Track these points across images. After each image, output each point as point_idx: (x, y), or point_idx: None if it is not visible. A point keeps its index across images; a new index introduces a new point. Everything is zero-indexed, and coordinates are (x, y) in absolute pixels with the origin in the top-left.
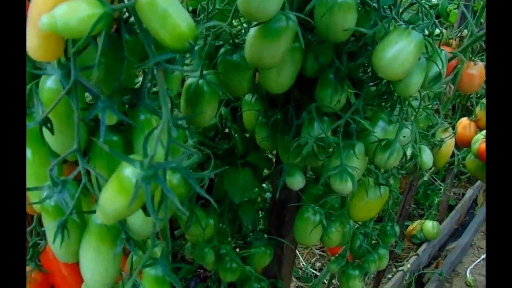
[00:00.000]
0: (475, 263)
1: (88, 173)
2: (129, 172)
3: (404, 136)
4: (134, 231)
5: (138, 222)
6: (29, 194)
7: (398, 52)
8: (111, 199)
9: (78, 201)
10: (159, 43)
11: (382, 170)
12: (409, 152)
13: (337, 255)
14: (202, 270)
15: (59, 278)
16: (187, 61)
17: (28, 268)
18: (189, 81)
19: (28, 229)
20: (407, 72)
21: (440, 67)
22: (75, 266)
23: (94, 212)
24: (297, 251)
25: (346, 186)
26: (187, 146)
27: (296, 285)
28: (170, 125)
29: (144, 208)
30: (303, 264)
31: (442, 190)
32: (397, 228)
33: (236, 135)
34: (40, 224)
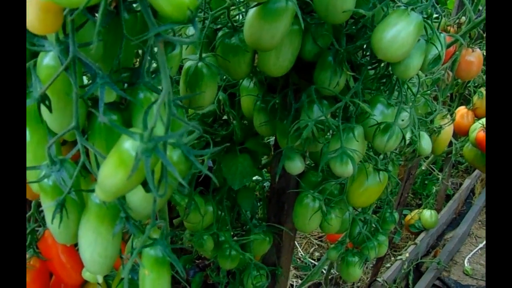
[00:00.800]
0: (472, 252)
1: (86, 154)
2: (129, 145)
3: (402, 120)
4: (133, 210)
5: (138, 200)
6: (28, 175)
7: (398, 33)
8: (111, 174)
9: (77, 180)
10: (159, 15)
11: (381, 157)
12: (408, 136)
13: (336, 242)
14: (200, 260)
15: (58, 265)
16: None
17: (26, 255)
18: (188, 63)
19: (26, 215)
20: (406, 53)
21: (439, 49)
22: (74, 253)
23: (93, 191)
24: (295, 241)
25: (346, 169)
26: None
27: (294, 274)
28: (171, 97)
29: (144, 184)
30: (301, 254)
31: (440, 180)
32: (396, 215)
33: (234, 121)
34: (39, 211)
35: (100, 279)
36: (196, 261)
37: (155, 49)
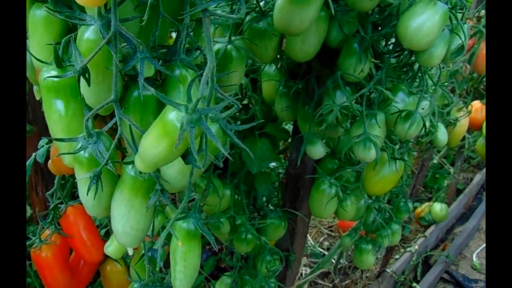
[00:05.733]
0: (481, 247)
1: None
2: (173, 116)
3: (422, 109)
4: (169, 182)
5: (174, 173)
6: (61, 147)
7: (423, 22)
8: (153, 144)
9: (113, 152)
10: None
11: (397, 146)
12: (427, 125)
13: (350, 229)
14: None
15: (79, 242)
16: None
17: (47, 232)
18: (217, 46)
19: (49, 192)
20: (431, 42)
21: (463, 39)
22: (95, 231)
23: (130, 163)
24: None
25: (369, 154)
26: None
27: (305, 262)
28: (214, 71)
29: (183, 157)
30: (311, 243)
31: (452, 173)
32: (410, 204)
33: (256, 106)
34: (62, 187)
35: (130, 251)
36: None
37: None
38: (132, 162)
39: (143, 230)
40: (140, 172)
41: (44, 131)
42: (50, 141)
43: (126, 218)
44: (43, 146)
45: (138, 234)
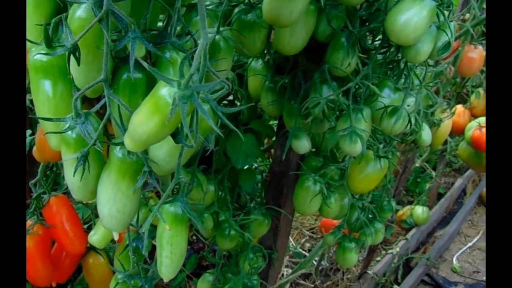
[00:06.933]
0: (461, 251)
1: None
2: (166, 91)
3: (408, 105)
4: (157, 163)
5: (162, 154)
6: (48, 128)
7: (411, 17)
8: (144, 121)
9: (101, 133)
10: None
11: (381, 146)
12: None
13: (334, 227)
14: (195, 243)
15: (61, 233)
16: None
17: (29, 222)
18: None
19: (32, 182)
20: (418, 37)
21: (449, 36)
22: (78, 221)
23: (117, 144)
24: None
25: (355, 147)
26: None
27: (286, 263)
28: (207, 48)
29: (173, 136)
30: (292, 244)
31: (434, 177)
32: (393, 204)
33: (242, 100)
34: (45, 176)
35: (116, 236)
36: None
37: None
38: (120, 144)
39: (129, 213)
40: (129, 153)
41: (27, 125)
42: (34, 133)
43: (113, 201)
44: (26, 137)
45: (125, 218)
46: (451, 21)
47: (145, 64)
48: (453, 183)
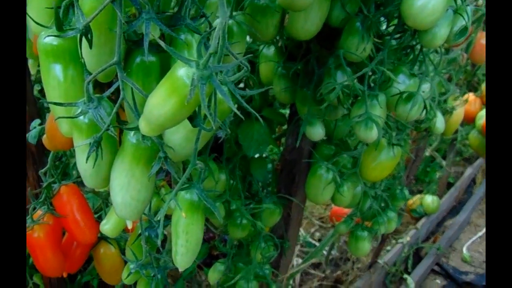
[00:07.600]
0: (471, 240)
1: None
2: (183, 72)
3: (423, 92)
4: (173, 148)
5: (178, 139)
6: (59, 113)
7: (428, 0)
8: (160, 103)
9: (114, 118)
10: None
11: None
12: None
13: (346, 216)
14: (206, 231)
15: (72, 222)
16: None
17: (40, 211)
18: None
19: (42, 170)
20: (435, 21)
21: (466, 20)
22: (89, 211)
23: (131, 129)
24: None
25: (371, 134)
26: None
27: (296, 253)
28: (226, 27)
29: (190, 119)
30: (302, 234)
31: (444, 166)
32: (406, 192)
33: (253, 87)
34: (55, 166)
35: (130, 224)
36: None
37: None
38: (134, 128)
39: (143, 201)
40: (143, 138)
41: (35, 114)
42: (43, 123)
43: (126, 188)
44: (35, 127)
45: (139, 205)
46: (468, 5)
47: (162, 44)
48: (462, 172)
